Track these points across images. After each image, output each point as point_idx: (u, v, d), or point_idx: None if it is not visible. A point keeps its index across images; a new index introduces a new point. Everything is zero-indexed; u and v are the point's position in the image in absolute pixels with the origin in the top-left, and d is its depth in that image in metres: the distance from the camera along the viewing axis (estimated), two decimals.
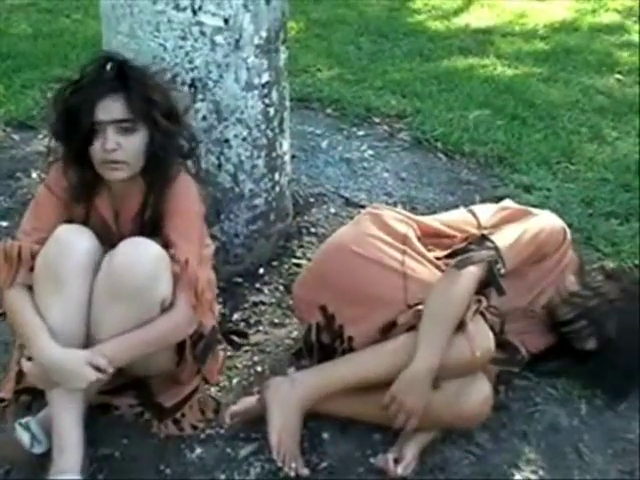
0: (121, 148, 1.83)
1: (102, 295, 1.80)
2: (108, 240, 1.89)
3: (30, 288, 1.84)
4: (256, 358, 2.25)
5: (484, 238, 2.02)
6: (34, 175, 3.15)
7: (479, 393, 1.92)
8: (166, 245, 1.88)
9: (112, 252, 1.81)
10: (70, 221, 1.92)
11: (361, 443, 1.98)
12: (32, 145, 3.45)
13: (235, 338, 2.25)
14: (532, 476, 1.92)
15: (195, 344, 1.94)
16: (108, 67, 1.86)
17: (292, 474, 1.84)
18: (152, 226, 1.92)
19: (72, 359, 1.76)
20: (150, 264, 1.78)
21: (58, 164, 1.95)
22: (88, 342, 1.81)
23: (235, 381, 2.17)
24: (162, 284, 1.80)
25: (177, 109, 1.94)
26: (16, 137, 3.53)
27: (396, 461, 1.89)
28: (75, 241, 1.82)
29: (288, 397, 1.93)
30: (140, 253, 1.79)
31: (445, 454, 1.96)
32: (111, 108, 1.81)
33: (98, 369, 1.75)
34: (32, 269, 1.83)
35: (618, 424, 2.08)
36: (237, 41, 2.25)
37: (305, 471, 1.86)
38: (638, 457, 1.98)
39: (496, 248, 1.98)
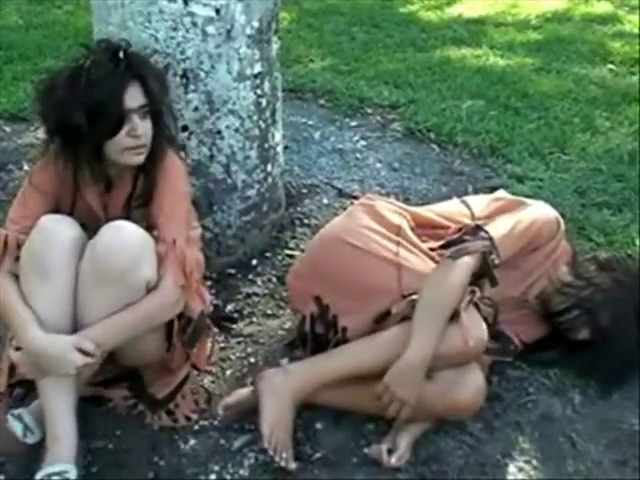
0: (144, 132, 1.87)
1: (87, 280, 1.80)
2: (94, 228, 1.88)
3: (16, 277, 1.84)
4: (249, 349, 2.25)
5: (478, 228, 2.02)
6: (26, 167, 3.14)
7: (472, 383, 1.92)
8: (152, 225, 1.89)
9: (95, 237, 1.81)
10: (56, 210, 1.93)
11: (355, 433, 1.98)
12: (24, 137, 3.43)
13: (225, 323, 2.25)
14: (526, 466, 1.93)
15: (184, 329, 1.94)
16: (121, 55, 1.86)
17: (282, 464, 1.84)
18: (140, 207, 1.94)
19: (58, 344, 1.76)
20: (133, 246, 1.78)
21: (42, 161, 1.95)
22: (76, 329, 1.81)
23: (228, 372, 2.17)
24: (146, 266, 1.80)
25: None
26: (7, 129, 3.52)
27: (390, 451, 1.89)
28: (59, 230, 1.82)
29: (281, 388, 1.93)
30: (123, 236, 1.79)
31: (439, 444, 1.96)
32: (135, 95, 1.84)
33: (86, 353, 1.75)
34: (18, 258, 1.84)
35: (612, 414, 2.08)
36: (229, 31, 2.24)
37: (293, 465, 1.85)
38: (631, 446, 1.98)
39: (490, 238, 1.98)
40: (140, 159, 1.90)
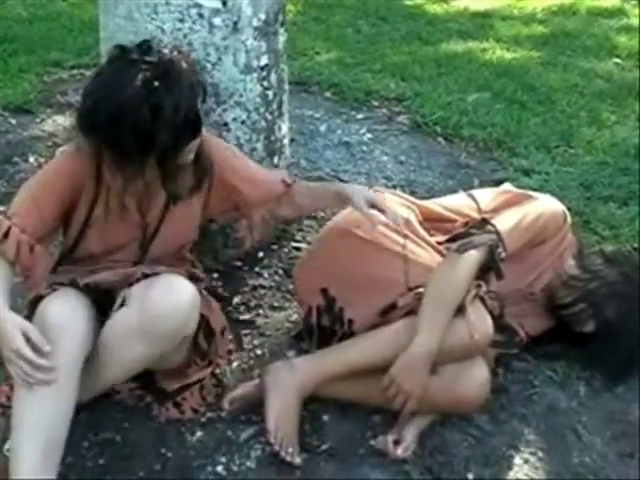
0: None
1: (123, 335, 1.77)
2: (129, 234, 1.88)
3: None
4: (256, 341, 2.25)
5: (485, 222, 2.02)
6: (32, 159, 3.14)
7: (477, 377, 1.92)
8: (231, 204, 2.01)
9: (143, 290, 1.77)
10: (71, 209, 1.87)
11: (361, 425, 1.99)
12: (29, 129, 3.43)
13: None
14: (531, 457, 1.93)
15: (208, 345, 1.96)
16: (184, 65, 1.80)
17: (288, 459, 1.85)
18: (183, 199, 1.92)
19: (10, 319, 1.68)
20: (187, 306, 1.78)
21: (65, 157, 1.89)
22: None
23: (235, 364, 2.17)
24: (193, 324, 1.82)
25: None
26: (13, 121, 3.51)
27: (396, 443, 1.90)
28: (69, 329, 1.73)
29: (287, 383, 1.93)
30: (176, 294, 1.77)
31: (444, 436, 1.97)
32: None
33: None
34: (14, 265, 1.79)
35: (617, 406, 2.09)
36: (235, 23, 2.24)
37: (298, 460, 1.86)
38: (637, 439, 1.99)
39: (497, 232, 1.98)
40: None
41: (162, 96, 1.68)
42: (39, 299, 1.80)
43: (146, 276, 1.82)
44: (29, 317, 1.78)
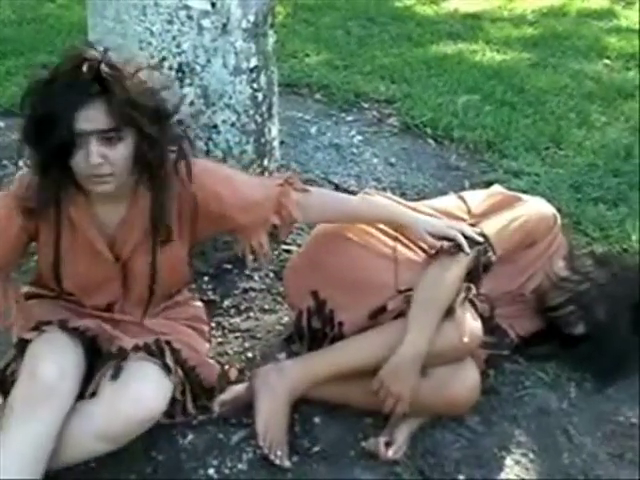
0: (107, 160, 1.61)
1: (86, 434, 1.71)
2: (102, 264, 1.80)
3: None
4: (247, 344, 2.25)
5: (473, 226, 2.03)
6: (20, 163, 3.12)
7: (467, 380, 1.92)
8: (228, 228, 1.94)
9: (114, 397, 1.72)
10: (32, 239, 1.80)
11: (352, 427, 1.98)
12: (18, 132, 3.41)
13: None
14: (522, 459, 1.93)
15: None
16: (84, 68, 1.58)
17: (277, 462, 1.85)
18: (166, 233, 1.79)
19: None
20: (157, 415, 1.76)
21: (25, 177, 1.76)
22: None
23: (226, 367, 2.17)
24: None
25: (164, 107, 1.69)
26: (1, 124, 3.50)
27: (387, 445, 1.89)
28: (56, 391, 1.69)
29: (276, 387, 1.92)
30: (148, 406, 1.74)
31: (436, 437, 1.96)
32: (93, 117, 1.58)
33: None
34: None
35: (607, 407, 2.09)
36: (224, 25, 2.24)
37: (288, 463, 1.86)
38: (627, 439, 1.99)
39: (485, 236, 1.99)
40: (104, 187, 1.66)
41: (38, 84, 1.61)
42: (27, 340, 1.78)
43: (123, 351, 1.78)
44: (18, 357, 1.77)
